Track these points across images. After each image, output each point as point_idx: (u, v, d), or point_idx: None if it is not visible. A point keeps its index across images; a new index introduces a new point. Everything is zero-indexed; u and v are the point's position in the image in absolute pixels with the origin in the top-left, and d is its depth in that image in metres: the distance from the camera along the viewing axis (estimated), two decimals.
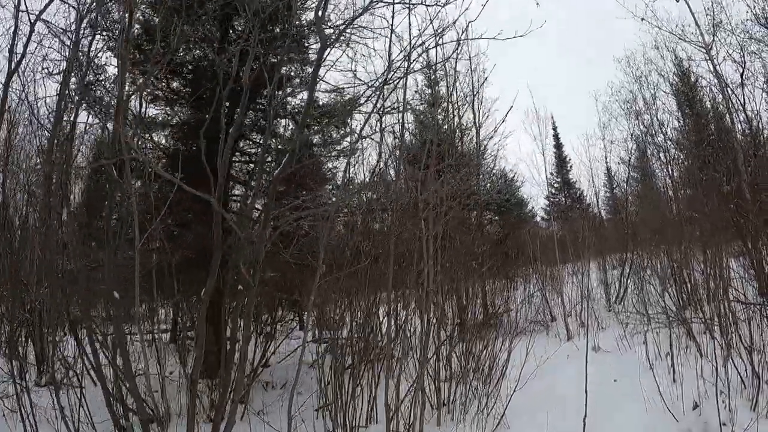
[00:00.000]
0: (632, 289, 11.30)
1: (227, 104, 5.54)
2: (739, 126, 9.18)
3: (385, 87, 3.94)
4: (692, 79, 11.54)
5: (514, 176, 12.45)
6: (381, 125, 5.51)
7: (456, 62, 11.97)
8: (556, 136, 23.74)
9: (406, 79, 4.61)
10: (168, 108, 7.71)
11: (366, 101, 4.98)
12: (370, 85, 4.08)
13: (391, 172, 8.02)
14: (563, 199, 22.14)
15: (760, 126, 9.59)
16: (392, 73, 3.90)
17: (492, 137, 12.94)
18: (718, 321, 5.33)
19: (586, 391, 4.37)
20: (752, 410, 4.50)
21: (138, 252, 4.37)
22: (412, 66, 4.26)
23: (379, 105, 4.40)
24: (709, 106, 11.28)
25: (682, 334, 6.75)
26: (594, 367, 7.36)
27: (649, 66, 11.85)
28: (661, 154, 10.73)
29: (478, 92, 13.14)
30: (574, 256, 13.65)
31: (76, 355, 5.07)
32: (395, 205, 5.88)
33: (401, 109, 5.92)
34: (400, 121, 6.17)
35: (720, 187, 9.01)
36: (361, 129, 4.67)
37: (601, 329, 9.84)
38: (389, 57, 3.93)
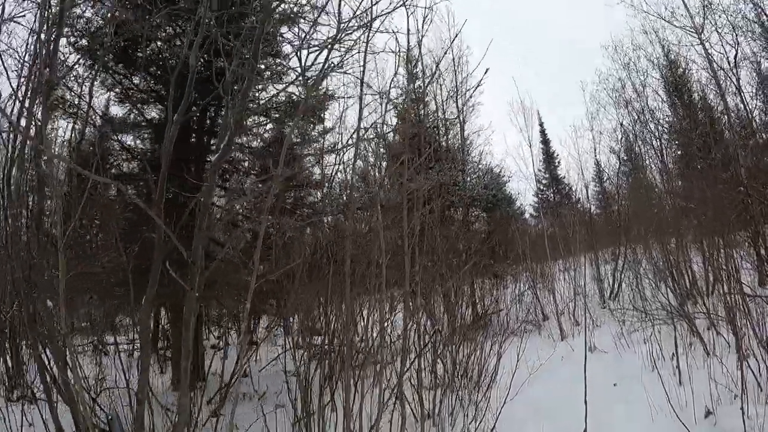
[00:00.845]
0: (627, 284, 10.80)
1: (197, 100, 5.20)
2: (735, 110, 8.73)
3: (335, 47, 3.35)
4: (683, 65, 11.10)
5: (500, 171, 11.93)
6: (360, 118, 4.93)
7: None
8: (543, 132, 23.40)
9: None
10: (141, 107, 7.16)
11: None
12: (321, 46, 3.47)
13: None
14: (552, 195, 21.72)
15: (755, 111, 9.15)
16: (342, 33, 3.32)
17: (477, 132, 12.47)
18: (727, 316, 4.78)
19: (585, 403, 3.80)
20: None
21: (63, 254, 3.75)
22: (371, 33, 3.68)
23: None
24: (700, 91, 10.84)
25: (685, 330, 6.22)
26: (591, 369, 6.79)
27: (638, 52, 11.40)
28: (654, 142, 10.27)
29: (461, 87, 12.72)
30: (565, 252, 13.17)
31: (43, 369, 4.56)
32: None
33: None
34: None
35: (717, 173, 8.56)
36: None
37: (596, 327, 9.31)
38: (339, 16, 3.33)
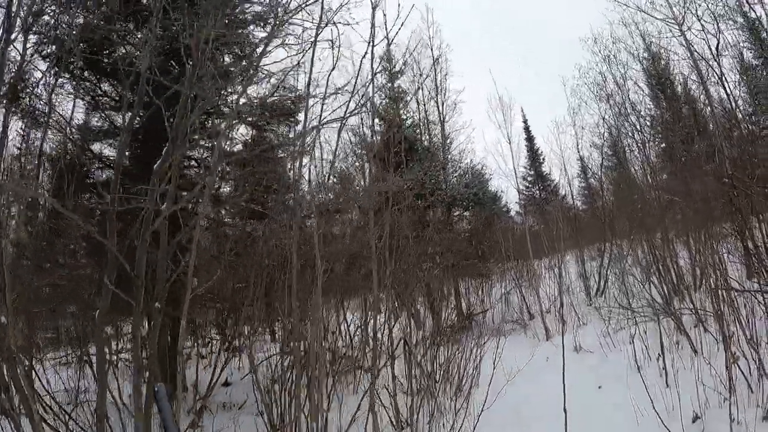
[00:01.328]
0: (612, 280, 10.60)
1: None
2: (718, 101, 8.53)
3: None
4: (664, 56, 10.91)
5: (482, 169, 11.65)
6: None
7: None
8: (527, 129, 23.21)
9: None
10: (110, 114, 6.85)
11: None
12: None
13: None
14: (537, 192, 21.53)
15: (739, 101, 8.97)
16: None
17: (458, 130, 12.20)
18: (714, 313, 4.53)
19: (565, 411, 3.51)
20: (764, 420, 3.71)
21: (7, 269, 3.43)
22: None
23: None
24: (682, 82, 10.65)
25: (672, 328, 5.98)
26: (575, 370, 6.60)
27: (618, 45, 11.17)
28: (636, 135, 10.05)
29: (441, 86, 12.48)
30: (550, 249, 12.95)
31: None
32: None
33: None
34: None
35: (701, 165, 8.36)
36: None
37: (582, 325, 9.08)
38: None
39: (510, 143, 10.48)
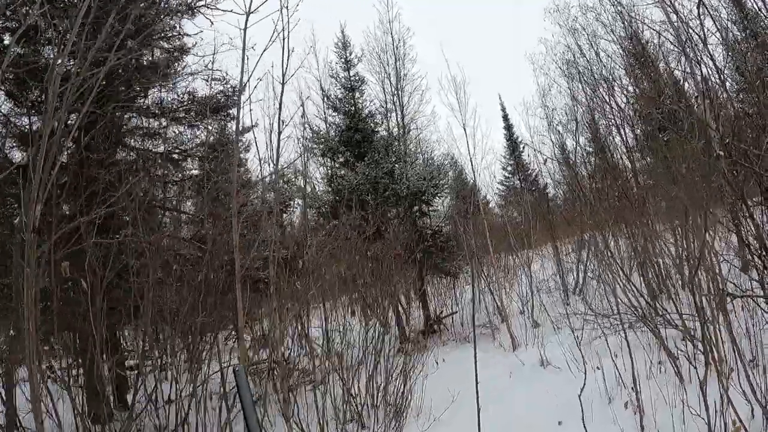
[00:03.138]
0: (591, 276, 9.51)
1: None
2: (704, 69, 7.38)
3: None
4: (640, 26, 9.71)
5: (446, 159, 10.51)
6: None
7: None
8: (505, 117, 22.01)
9: None
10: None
11: None
12: None
13: None
14: (518, 182, 20.39)
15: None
16: None
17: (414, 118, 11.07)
18: (702, 334, 3.39)
19: None
20: None
21: None
22: None
23: None
24: (659, 48, 9.45)
25: (653, 341, 4.86)
26: (538, 393, 5.48)
27: (589, 15, 9.95)
28: (614, 114, 8.92)
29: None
30: (527, 244, 11.84)
31: None
32: None
33: None
34: None
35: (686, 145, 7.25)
36: None
37: (556, 330, 7.98)
38: None
39: (465, 128, 9.28)
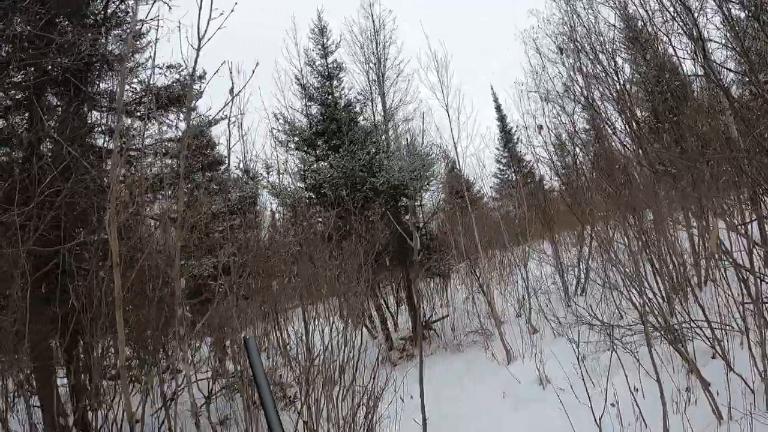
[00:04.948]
0: (594, 275, 8.54)
1: None
2: (720, 38, 6.44)
3: None
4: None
5: (430, 148, 9.53)
6: None
7: None
8: (498, 108, 20.98)
9: None
10: None
11: None
12: None
13: None
14: (513, 174, 19.41)
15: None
16: None
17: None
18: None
19: None
20: None
21: None
22: None
23: None
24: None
25: (677, 359, 3.92)
26: (535, 422, 4.59)
27: None
28: (613, 93, 7.95)
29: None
30: (523, 239, 10.90)
31: None
32: None
33: None
34: None
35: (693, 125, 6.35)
36: None
37: (556, 335, 7.06)
38: None
39: (448, 111, 8.33)
